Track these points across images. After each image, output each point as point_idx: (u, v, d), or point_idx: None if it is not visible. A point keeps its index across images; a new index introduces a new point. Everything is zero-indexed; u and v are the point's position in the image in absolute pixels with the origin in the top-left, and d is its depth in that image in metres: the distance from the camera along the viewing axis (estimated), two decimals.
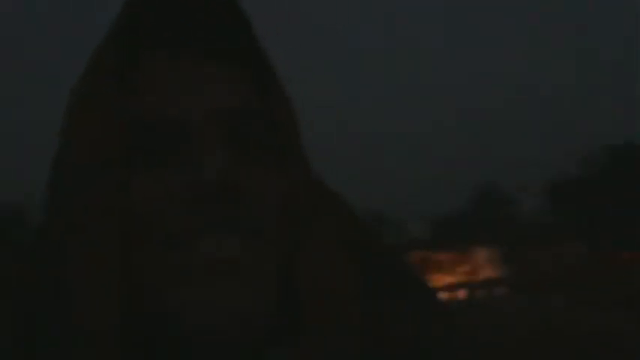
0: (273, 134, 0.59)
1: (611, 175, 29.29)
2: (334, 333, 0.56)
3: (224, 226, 0.54)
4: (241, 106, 0.57)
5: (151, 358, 0.54)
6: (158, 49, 0.58)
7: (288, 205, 0.57)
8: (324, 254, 0.58)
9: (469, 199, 41.77)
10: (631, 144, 30.66)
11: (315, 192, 0.60)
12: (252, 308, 0.53)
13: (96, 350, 0.51)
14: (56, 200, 0.57)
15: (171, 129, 0.55)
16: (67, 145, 0.57)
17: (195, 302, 0.53)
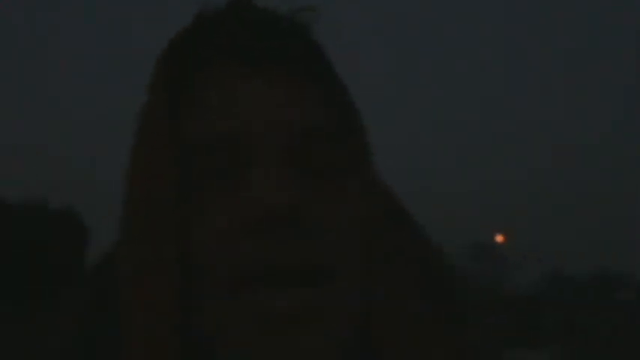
0: (342, 153, 0.52)
1: None
2: None
3: (292, 265, 0.48)
4: (304, 119, 0.52)
5: None
6: (213, 63, 0.54)
7: (363, 238, 0.51)
8: (404, 301, 0.52)
9: None
10: None
11: (395, 223, 0.53)
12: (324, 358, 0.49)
13: None
14: (123, 241, 0.53)
15: (228, 146, 0.51)
16: (128, 184, 0.54)
17: (262, 353, 0.49)
